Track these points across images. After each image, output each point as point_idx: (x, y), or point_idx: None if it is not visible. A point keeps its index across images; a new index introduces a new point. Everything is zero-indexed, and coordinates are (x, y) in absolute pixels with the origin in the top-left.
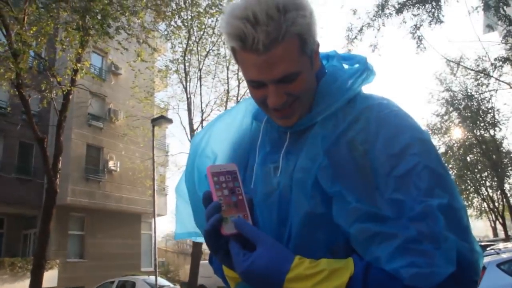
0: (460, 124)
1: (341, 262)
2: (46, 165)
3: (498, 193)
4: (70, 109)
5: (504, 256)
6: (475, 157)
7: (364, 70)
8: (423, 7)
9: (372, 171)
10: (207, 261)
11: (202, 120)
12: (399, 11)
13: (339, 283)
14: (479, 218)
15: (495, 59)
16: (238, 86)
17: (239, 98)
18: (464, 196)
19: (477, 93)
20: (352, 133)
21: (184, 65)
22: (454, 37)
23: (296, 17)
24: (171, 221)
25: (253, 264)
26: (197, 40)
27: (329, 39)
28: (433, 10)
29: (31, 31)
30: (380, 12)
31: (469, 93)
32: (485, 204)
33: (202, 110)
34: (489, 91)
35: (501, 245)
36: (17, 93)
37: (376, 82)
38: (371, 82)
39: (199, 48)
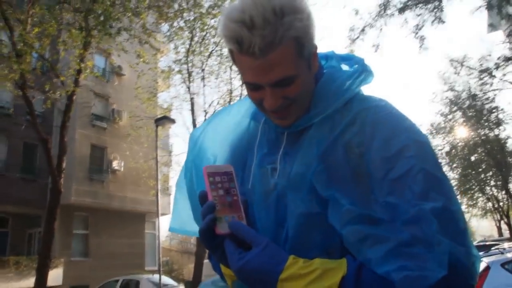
0: (464, 124)
1: (334, 262)
2: (50, 165)
3: (503, 192)
4: (73, 109)
5: (509, 255)
6: (480, 157)
7: (362, 71)
8: (426, 6)
9: (368, 174)
10: None
11: (205, 120)
12: (401, 10)
13: (332, 282)
14: (484, 217)
15: (498, 58)
16: (241, 86)
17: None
18: (469, 195)
19: (481, 92)
20: (348, 135)
21: (187, 66)
22: (457, 36)
23: (293, 21)
24: None
25: (248, 263)
26: (199, 40)
27: (331, 39)
28: (435, 10)
29: (34, 32)
30: (383, 12)
31: (472, 93)
32: (490, 204)
33: (205, 110)
34: (493, 90)
35: (505, 245)
36: (21, 94)
37: (379, 81)
38: (370, 83)
39: (202, 49)
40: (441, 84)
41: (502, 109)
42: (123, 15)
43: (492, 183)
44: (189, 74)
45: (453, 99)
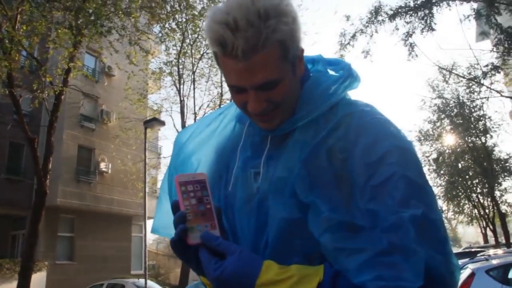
0: (452, 131)
1: (312, 268)
2: (36, 166)
3: (489, 199)
4: (62, 109)
5: (494, 262)
6: (467, 164)
7: (348, 76)
8: (416, 14)
9: (350, 179)
10: None
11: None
12: (392, 17)
13: None
14: (470, 224)
15: (484, 66)
16: None
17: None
18: (455, 202)
19: (469, 101)
20: (332, 140)
21: (178, 68)
22: (446, 44)
23: (277, 24)
24: None
25: (224, 272)
26: (191, 42)
27: (322, 44)
28: (425, 18)
29: (22, 30)
30: (373, 18)
31: (461, 101)
32: (475, 211)
33: (195, 113)
34: (481, 98)
35: (491, 252)
36: (8, 92)
37: (368, 87)
38: (356, 88)
39: (193, 51)
40: (430, 91)
41: (489, 117)
42: (114, 14)
43: (479, 190)
44: (180, 76)
45: (441, 106)
